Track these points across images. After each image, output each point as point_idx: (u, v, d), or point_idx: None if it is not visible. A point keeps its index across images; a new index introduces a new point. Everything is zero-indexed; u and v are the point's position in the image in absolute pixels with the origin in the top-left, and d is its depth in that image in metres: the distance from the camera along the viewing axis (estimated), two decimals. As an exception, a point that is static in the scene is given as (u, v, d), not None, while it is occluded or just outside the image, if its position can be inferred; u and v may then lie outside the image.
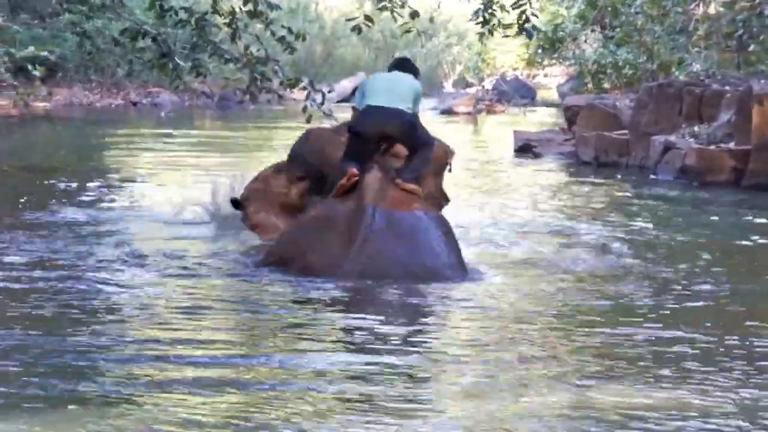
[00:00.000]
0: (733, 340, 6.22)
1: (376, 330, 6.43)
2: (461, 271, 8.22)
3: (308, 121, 11.36)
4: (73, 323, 6.43)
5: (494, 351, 6.02)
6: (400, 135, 8.82)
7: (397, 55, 9.81)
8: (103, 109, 33.77)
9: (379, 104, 8.78)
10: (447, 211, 9.01)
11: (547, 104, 36.86)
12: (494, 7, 11.81)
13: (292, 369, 5.58)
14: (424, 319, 7.07)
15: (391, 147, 8.98)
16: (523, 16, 11.53)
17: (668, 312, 6.92)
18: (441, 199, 9.31)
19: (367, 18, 11.64)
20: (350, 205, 8.35)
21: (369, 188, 8.38)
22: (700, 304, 7.24)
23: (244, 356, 5.85)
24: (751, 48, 17.49)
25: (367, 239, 8.02)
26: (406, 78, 9.14)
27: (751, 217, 11.70)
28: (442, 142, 9.36)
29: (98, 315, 6.72)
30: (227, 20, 11.99)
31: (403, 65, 9.44)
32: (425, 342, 6.31)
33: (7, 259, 8.39)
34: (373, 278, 7.78)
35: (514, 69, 48.15)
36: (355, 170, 8.54)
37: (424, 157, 8.86)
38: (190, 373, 5.46)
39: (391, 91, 8.90)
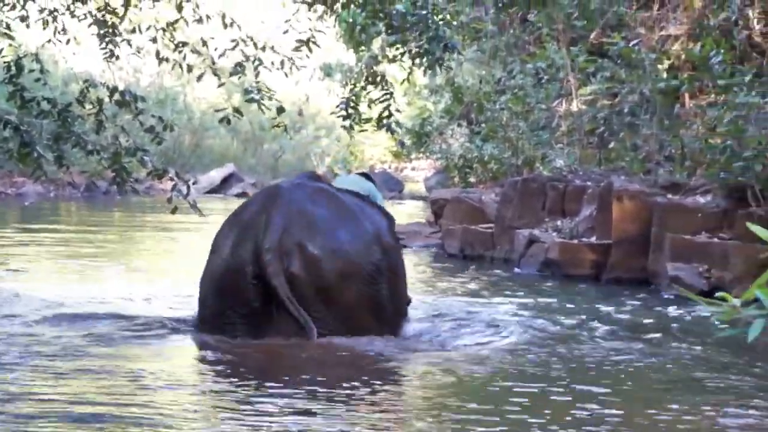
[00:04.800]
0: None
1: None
2: None
3: (173, 212, 11.29)
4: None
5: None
6: None
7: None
8: (-37, 199, 33.16)
9: None
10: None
11: (415, 197, 37.18)
12: (358, 101, 11.98)
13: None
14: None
15: None
16: (386, 111, 11.69)
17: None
18: None
19: (236, 110, 11.68)
20: None
21: None
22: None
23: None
24: (612, 145, 17.91)
25: None
26: (361, 180, 10.41)
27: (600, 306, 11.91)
28: None
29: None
30: (94, 110, 11.92)
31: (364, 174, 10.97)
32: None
33: None
34: None
35: (383, 162, 48.65)
36: None
37: None
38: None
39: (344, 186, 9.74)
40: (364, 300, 8.72)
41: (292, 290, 8.48)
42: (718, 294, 2.87)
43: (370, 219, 9.06)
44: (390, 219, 9.57)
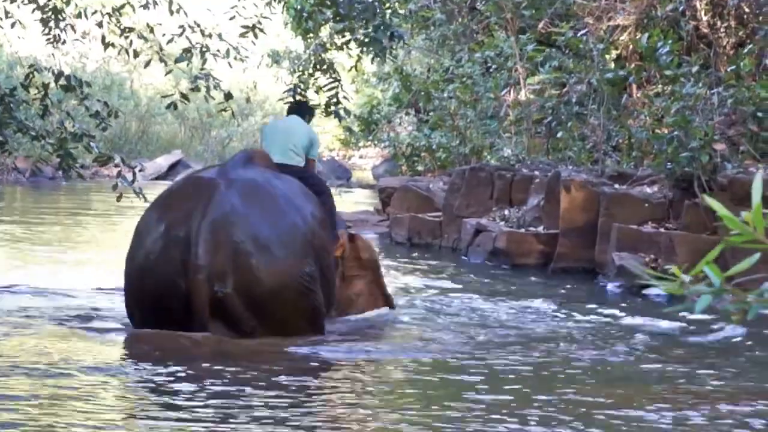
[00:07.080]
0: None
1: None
2: None
3: (119, 199, 11.21)
4: None
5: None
6: None
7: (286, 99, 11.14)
8: None
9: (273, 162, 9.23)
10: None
11: (363, 185, 37.14)
12: (306, 88, 11.97)
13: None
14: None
15: None
16: (334, 99, 11.67)
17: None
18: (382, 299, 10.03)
19: (183, 95, 11.61)
20: None
21: None
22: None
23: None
24: (559, 134, 17.92)
25: None
26: (299, 128, 9.86)
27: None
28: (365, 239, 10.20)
29: None
30: (39, 95, 11.79)
31: (299, 109, 10.35)
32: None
33: None
34: None
35: (330, 150, 48.53)
36: None
37: (328, 206, 9.37)
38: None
39: (285, 144, 9.56)
40: (300, 311, 8.41)
41: (224, 309, 8.14)
42: (668, 267, 2.88)
43: (301, 214, 8.60)
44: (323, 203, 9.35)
